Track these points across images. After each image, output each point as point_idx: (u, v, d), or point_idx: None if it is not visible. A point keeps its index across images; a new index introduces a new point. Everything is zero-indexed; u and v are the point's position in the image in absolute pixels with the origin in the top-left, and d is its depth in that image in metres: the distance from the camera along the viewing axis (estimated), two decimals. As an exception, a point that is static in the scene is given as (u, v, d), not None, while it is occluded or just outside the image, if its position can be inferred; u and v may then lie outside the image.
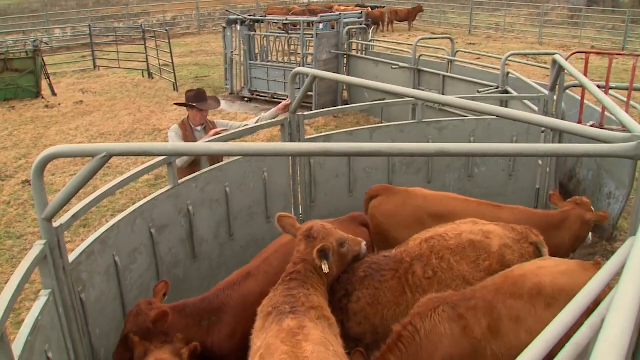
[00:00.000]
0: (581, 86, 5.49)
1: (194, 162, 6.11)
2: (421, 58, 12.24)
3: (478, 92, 9.35)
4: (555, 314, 1.95)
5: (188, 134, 6.38)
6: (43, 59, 16.71)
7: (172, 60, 16.98)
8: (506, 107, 7.61)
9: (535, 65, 14.61)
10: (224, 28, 15.58)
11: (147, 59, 18.82)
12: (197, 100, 6.35)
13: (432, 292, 4.13)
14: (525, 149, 3.12)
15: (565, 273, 3.78)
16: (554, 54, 6.14)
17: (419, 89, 11.30)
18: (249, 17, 15.12)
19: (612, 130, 4.35)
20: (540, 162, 6.93)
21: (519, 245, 4.37)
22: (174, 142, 6.18)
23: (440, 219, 4.90)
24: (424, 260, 4.23)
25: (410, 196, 5.40)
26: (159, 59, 18.21)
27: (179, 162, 5.93)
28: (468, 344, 3.53)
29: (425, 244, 4.33)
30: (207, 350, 4.03)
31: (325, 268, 3.80)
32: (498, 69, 9.61)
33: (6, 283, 2.84)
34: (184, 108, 6.58)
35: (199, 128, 6.41)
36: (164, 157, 4.81)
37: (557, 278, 3.71)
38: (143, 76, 19.07)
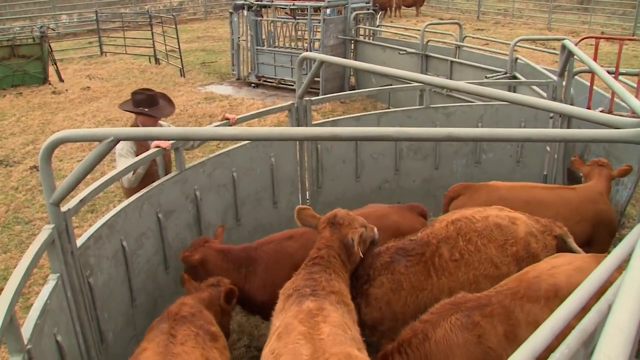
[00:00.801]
0: (590, 72, 5.45)
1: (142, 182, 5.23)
2: (429, 43, 12.16)
3: (486, 77, 9.30)
4: None
5: (142, 141, 5.36)
6: (50, 45, 16.69)
7: (179, 46, 16.94)
8: (514, 92, 7.56)
9: (544, 51, 14.50)
10: (231, 13, 15.50)
11: (153, 44, 18.75)
12: (148, 105, 5.44)
13: (459, 275, 4.09)
14: (534, 133, 3.09)
15: (580, 269, 3.61)
16: (563, 39, 6.08)
17: (426, 75, 11.24)
18: (255, 3, 15.01)
19: (622, 116, 4.32)
20: (548, 148, 6.89)
21: (543, 237, 4.32)
22: (125, 149, 5.29)
23: (527, 209, 4.74)
24: (450, 243, 4.18)
25: (492, 190, 5.30)
26: (165, 45, 18.16)
27: (126, 182, 5.21)
28: (481, 353, 3.41)
29: (451, 226, 4.27)
30: (246, 297, 4.44)
31: (360, 254, 3.95)
32: (506, 55, 9.54)
33: (15, 267, 2.86)
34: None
35: None
36: (170, 143, 4.82)
37: (573, 276, 3.53)
38: (150, 62, 19.02)
